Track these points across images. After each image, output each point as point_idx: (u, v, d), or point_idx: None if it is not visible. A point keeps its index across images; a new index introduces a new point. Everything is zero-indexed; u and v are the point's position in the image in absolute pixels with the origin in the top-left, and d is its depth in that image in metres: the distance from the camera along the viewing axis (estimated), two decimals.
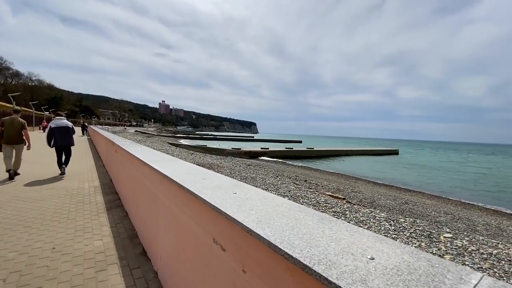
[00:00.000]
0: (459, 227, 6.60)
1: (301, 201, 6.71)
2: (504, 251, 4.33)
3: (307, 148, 34.68)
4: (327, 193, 9.05)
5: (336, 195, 8.86)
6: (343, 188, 11.03)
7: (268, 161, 23.15)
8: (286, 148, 32.38)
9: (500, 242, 4.76)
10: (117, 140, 5.91)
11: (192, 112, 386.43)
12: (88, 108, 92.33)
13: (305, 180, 11.53)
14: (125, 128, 61.20)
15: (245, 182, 8.58)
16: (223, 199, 1.23)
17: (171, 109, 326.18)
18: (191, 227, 1.44)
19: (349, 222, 4.92)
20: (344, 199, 8.46)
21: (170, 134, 58.78)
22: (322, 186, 10.67)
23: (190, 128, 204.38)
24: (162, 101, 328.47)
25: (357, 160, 30.69)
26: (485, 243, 4.64)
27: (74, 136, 7.06)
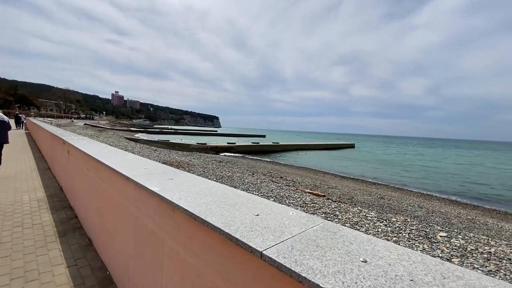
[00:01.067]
0: (437, 221, 6.79)
1: (287, 201, 6.24)
2: (498, 248, 4.35)
3: (272, 142, 34.82)
4: (306, 190, 8.78)
5: (316, 192, 8.64)
6: (319, 184, 10.94)
7: (236, 156, 22.48)
8: (252, 142, 31.98)
9: (490, 239, 4.84)
10: (68, 136, 4.68)
11: (150, 104, 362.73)
12: (26, 98, 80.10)
13: (281, 177, 11.18)
14: (72, 121, 54.53)
15: (222, 182, 7.83)
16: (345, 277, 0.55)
17: (125, 101, 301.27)
18: None
19: (344, 225, 4.51)
20: (324, 196, 8.26)
21: (125, 128, 54.07)
22: (299, 183, 10.42)
23: (148, 122, 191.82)
24: (116, 91, 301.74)
25: (319, 154, 31.83)
26: (478, 240, 4.67)
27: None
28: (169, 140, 26.22)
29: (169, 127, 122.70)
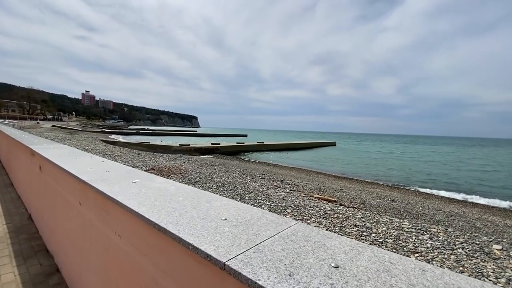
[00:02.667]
0: (463, 225, 6.34)
1: (307, 212, 5.43)
2: None
3: (257, 142, 34.04)
4: (314, 195, 8.07)
5: (326, 197, 7.95)
6: (322, 186, 10.27)
7: (223, 157, 21.39)
8: (237, 143, 30.96)
9: None
10: (37, 145, 3.48)
11: (124, 104, 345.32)
12: None
13: (281, 180, 10.39)
14: (38, 123, 49.82)
15: (223, 190, 6.87)
16: None
17: (97, 101, 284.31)
18: None
19: (386, 241, 3.64)
20: (335, 201, 7.59)
21: (98, 129, 50.52)
22: (302, 186, 9.69)
23: (122, 122, 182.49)
24: (86, 91, 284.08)
25: (304, 153, 31.71)
26: None
27: None
28: (149, 142, 24.47)
29: (146, 127, 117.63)
